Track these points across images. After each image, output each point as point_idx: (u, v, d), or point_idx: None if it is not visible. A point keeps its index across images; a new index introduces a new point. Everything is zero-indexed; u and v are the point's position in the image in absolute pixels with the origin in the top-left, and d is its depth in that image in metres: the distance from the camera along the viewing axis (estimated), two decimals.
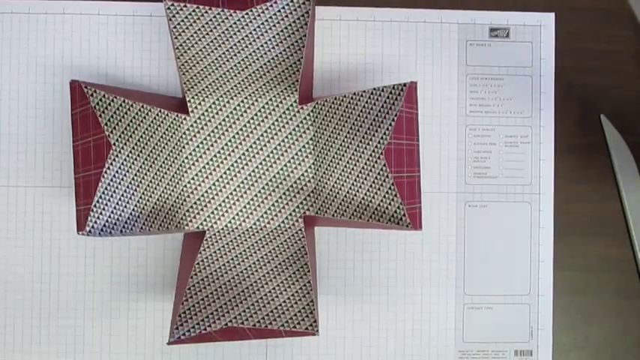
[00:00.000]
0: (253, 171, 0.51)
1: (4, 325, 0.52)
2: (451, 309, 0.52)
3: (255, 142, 0.51)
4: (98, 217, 0.45)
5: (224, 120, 0.52)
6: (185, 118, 0.51)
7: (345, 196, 0.48)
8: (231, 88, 0.51)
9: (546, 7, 0.53)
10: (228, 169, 0.51)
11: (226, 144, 0.52)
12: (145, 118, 0.48)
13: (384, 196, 0.45)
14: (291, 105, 0.51)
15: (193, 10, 0.47)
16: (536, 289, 0.52)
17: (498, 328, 0.52)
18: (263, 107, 0.51)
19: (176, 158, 0.51)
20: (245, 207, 0.51)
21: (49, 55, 0.53)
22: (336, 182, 0.49)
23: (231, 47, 0.49)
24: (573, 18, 0.53)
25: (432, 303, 0.52)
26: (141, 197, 0.48)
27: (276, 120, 0.51)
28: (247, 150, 0.51)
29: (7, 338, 0.52)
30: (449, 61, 0.52)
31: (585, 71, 0.53)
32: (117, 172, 0.46)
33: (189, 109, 0.51)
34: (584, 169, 0.53)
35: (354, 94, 0.47)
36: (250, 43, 0.49)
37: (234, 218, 0.51)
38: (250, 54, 0.49)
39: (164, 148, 0.50)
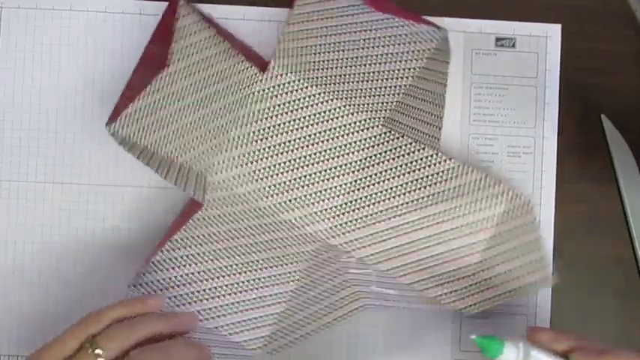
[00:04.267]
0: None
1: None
2: (448, 315, 0.52)
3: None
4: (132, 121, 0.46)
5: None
6: (261, 79, 0.51)
7: None
8: None
9: (546, 6, 0.54)
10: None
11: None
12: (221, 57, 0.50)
13: None
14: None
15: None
16: (534, 300, 0.52)
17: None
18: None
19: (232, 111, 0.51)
20: None
21: (54, 50, 0.52)
22: None
23: None
24: (573, 18, 0.54)
25: (428, 310, 0.52)
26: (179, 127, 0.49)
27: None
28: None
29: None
30: (454, 69, 0.53)
31: (586, 71, 0.54)
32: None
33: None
34: (585, 168, 0.54)
35: None
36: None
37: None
38: None
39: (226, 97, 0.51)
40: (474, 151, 0.53)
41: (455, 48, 0.53)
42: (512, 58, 0.54)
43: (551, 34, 0.54)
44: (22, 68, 0.52)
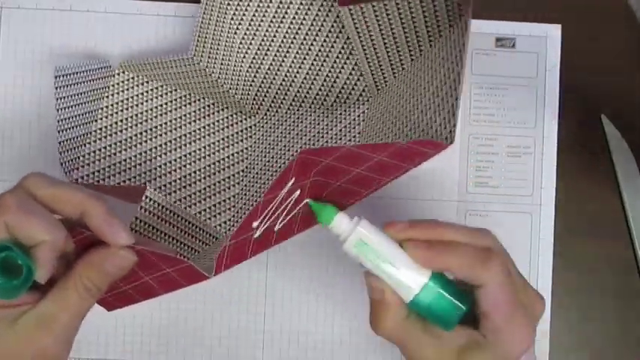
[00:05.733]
0: None
1: None
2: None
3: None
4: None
5: None
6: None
7: None
8: None
9: (545, 6, 0.54)
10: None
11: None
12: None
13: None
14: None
15: None
16: None
17: None
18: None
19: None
20: None
21: (54, 51, 0.52)
22: None
23: None
24: (573, 18, 0.54)
25: None
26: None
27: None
28: None
29: None
30: None
31: (586, 71, 0.54)
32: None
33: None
34: (585, 168, 0.54)
35: None
36: None
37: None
38: None
39: None
40: (474, 151, 0.53)
41: None
42: (512, 58, 0.54)
43: (551, 34, 0.54)
44: (22, 68, 0.52)
